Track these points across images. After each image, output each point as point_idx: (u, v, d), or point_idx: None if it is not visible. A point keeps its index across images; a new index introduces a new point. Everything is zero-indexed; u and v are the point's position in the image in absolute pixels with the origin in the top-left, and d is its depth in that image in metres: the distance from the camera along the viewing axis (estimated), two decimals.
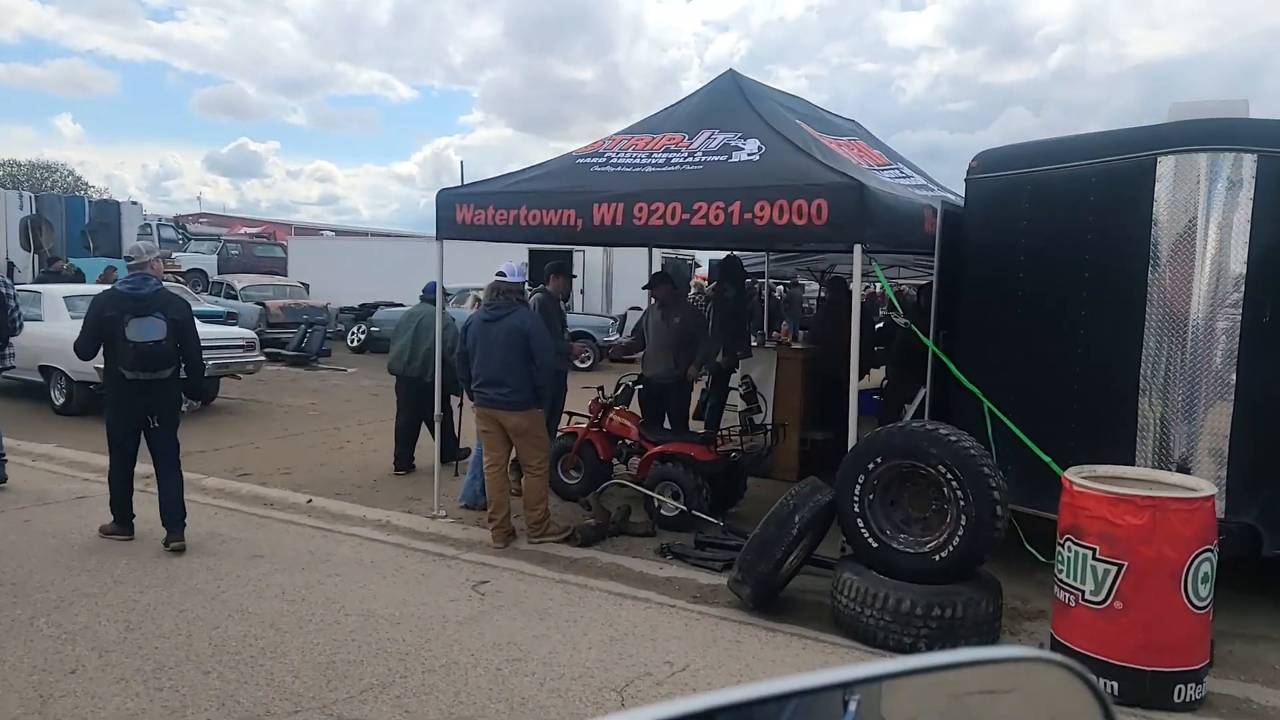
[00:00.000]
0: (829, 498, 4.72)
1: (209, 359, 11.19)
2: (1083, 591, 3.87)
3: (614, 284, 22.14)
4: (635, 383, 7.69)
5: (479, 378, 5.94)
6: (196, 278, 27.97)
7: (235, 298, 21.25)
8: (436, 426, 7.08)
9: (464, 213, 6.47)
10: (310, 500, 7.10)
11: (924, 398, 6.09)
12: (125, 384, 5.54)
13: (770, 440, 7.65)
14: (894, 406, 8.90)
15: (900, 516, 4.59)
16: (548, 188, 6.20)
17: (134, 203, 31.86)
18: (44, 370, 11.09)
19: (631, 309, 22.62)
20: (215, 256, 31.49)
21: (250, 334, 12.14)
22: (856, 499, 4.57)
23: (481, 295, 9.34)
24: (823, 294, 20.55)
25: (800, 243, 7.44)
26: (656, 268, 11.73)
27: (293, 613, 4.64)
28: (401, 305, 21.67)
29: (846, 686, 0.94)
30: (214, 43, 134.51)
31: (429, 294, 9.47)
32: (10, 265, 26.67)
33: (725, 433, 7.59)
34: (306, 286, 24.06)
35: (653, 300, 7.98)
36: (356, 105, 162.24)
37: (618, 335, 17.68)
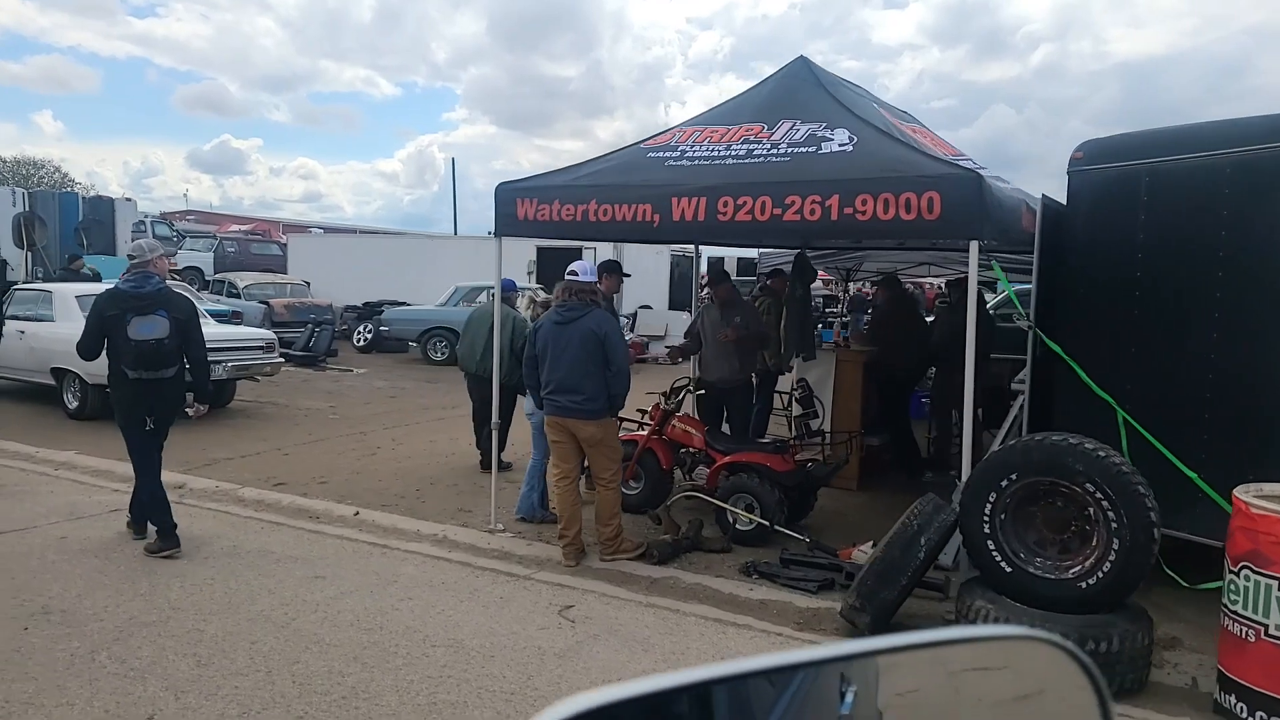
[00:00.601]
0: (953, 518, 4.37)
1: (227, 360, 10.82)
2: (1266, 626, 3.52)
3: (623, 282, 21.76)
4: (696, 387, 7.33)
5: (550, 384, 5.55)
6: (193, 276, 27.46)
7: (238, 296, 20.75)
8: (495, 434, 6.69)
9: (526, 208, 6.08)
10: (357, 513, 6.70)
11: (1022, 406, 5.75)
12: (129, 384, 5.46)
13: (850, 450, 7.29)
14: (943, 409, 8.59)
15: (1033, 538, 4.24)
16: (620, 181, 5.82)
17: (128, 199, 31.31)
18: (56, 373, 10.63)
19: (641, 307, 22.26)
20: (211, 254, 30.95)
21: (269, 334, 11.71)
22: (987, 519, 4.22)
23: (538, 296, 9.02)
24: (866, 294, 20.21)
25: (905, 239, 7.07)
26: (704, 267, 11.36)
27: (374, 644, 4.26)
28: (405, 304, 21.28)
29: (843, 660, 0.94)
30: (196, 39, 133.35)
31: (506, 293, 9.35)
32: (3, 263, 26.08)
33: (797, 442, 7.22)
34: (307, 285, 23.58)
35: (710, 299, 7.61)
36: (340, 102, 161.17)
37: (630, 334, 17.30)
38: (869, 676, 0.99)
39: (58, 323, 10.79)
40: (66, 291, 11.14)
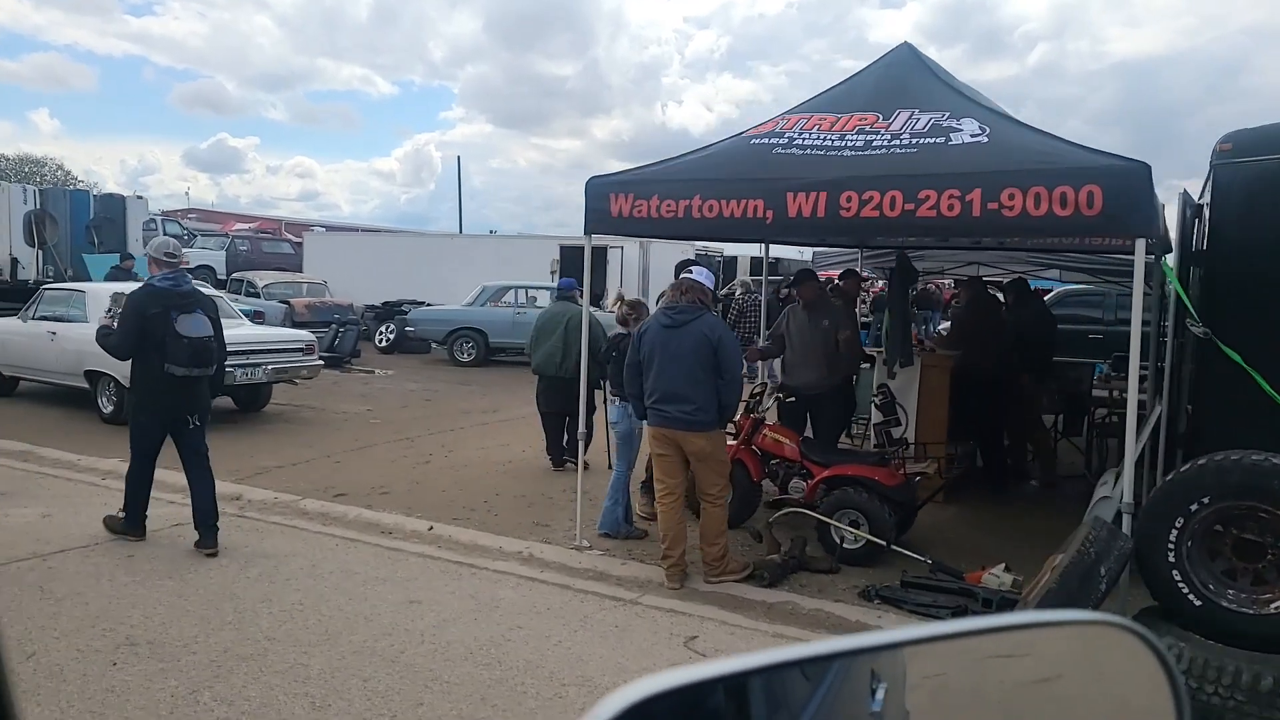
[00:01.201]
0: (1130, 545, 3.99)
1: (267, 363, 10.43)
2: None
3: (650, 282, 21.35)
4: (786, 395, 6.94)
5: (656, 392, 5.16)
6: (205, 275, 27.09)
7: (257, 295, 20.37)
8: (581, 444, 6.29)
9: (621, 203, 5.68)
10: (432, 528, 6.32)
11: (1159, 419, 5.37)
12: (171, 382, 5.47)
13: (956, 465, 6.91)
14: (1017, 417, 8.19)
15: (1221, 568, 3.86)
16: (726, 174, 5.43)
17: (139, 197, 30.87)
18: (90, 376, 10.23)
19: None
20: (224, 253, 30.55)
21: (309, 336, 11.31)
22: (1172, 546, 3.84)
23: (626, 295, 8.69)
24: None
25: (1058, 236, 6.63)
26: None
27: (498, 681, 3.87)
28: (422, 303, 20.85)
29: (899, 646, 0.93)
30: (193, 37, 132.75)
31: (567, 292, 9.25)
32: (14, 261, 25.72)
33: (898, 454, 6.80)
34: (326, 284, 23.19)
35: (796, 300, 7.22)
36: (337, 101, 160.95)
37: None
38: (898, 674, 0.97)
39: (91, 323, 10.39)
40: (100, 291, 10.74)
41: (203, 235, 34.52)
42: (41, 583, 4.89)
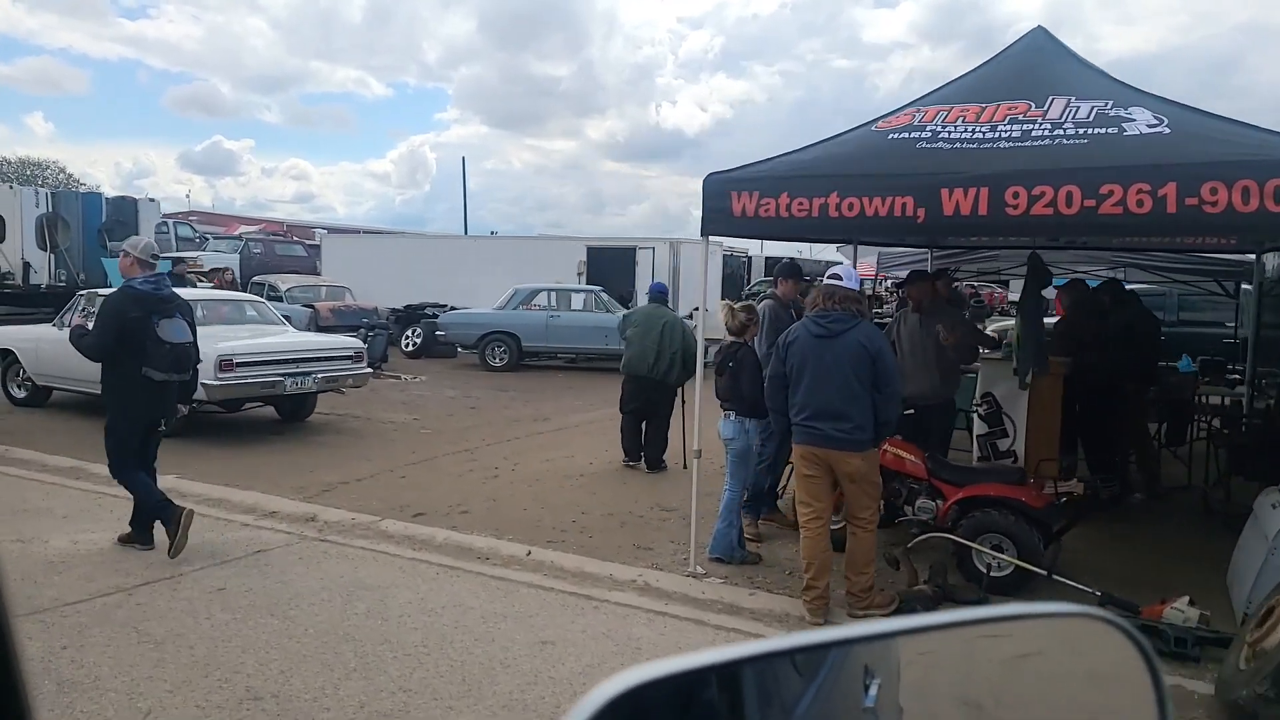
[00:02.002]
0: None
1: (317, 372, 9.99)
2: None
3: (681, 283, 20.89)
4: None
5: (807, 408, 4.70)
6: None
7: (280, 299, 19.89)
8: (695, 463, 5.84)
9: (744, 201, 5.24)
10: (530, 553, 5.88)
11: None
12: (151, 387, 5.40)
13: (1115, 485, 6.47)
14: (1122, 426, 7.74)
15: None
16: (867, 170, 4.99)
17: (151, 199, 30.46)
18: None
19: (695, 310, 21.38)
20: (237, 255, 30.06)
21: (358, 343, 10.87)
22: None
23: (735, 304, 8.32)
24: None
25: (1267, 237, 6.14)
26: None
27: None
28: (446, 306, 20.38)
29: (887, 638, 0.96)
30: (187, 40, 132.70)
31: (659, 295, 9.21)
32: (26, 265, 25.27)
33: (1039, 471, 6.34)
34: (348, 288, 22.75)
35: (906, 304, 6.77)
36: (331, 103, 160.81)
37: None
38: (891, 669, 0.98)
39: None
40: None
41: (215, 238, 34.10)
42: (134, 621, 4.45)
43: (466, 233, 41.38)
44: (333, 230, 43.79)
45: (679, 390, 8.67)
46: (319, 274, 27.55)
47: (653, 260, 20.23)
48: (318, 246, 36.19)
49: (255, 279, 23.06)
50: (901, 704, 1.00)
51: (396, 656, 4.14)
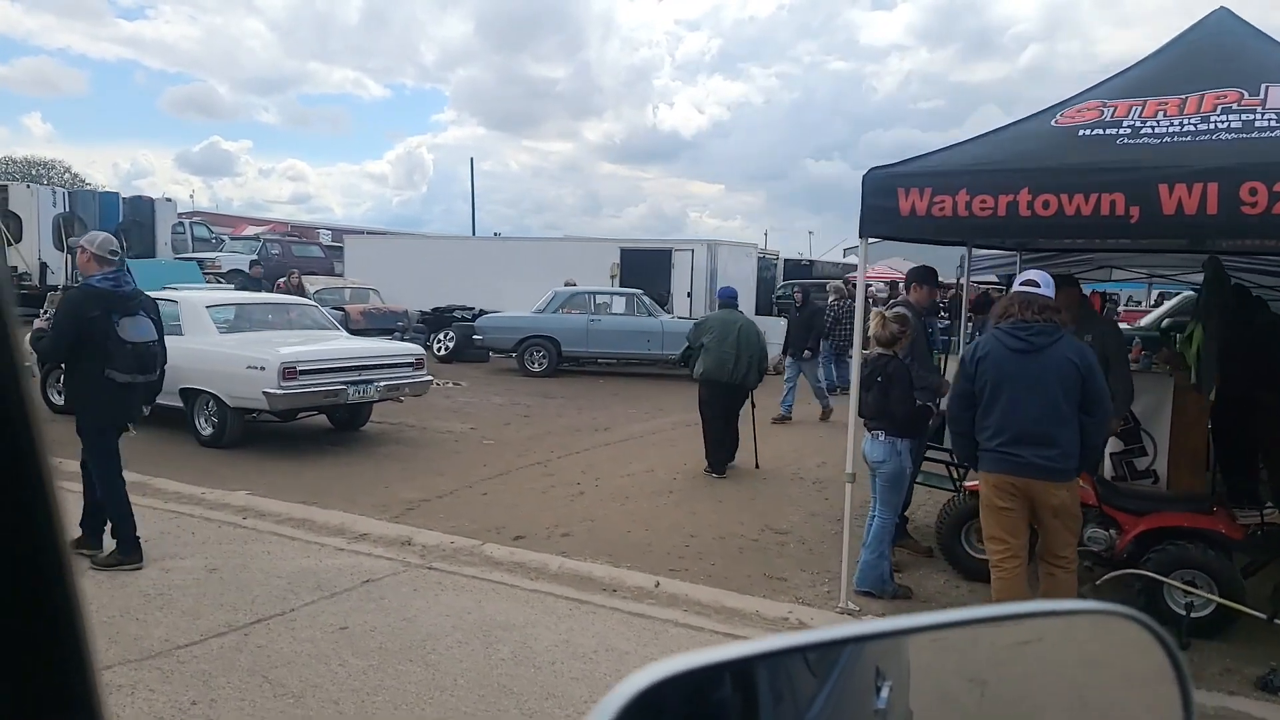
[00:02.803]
0: None
1: (378, 380, 9.49)
2: None
3: (717, 286, 20.38)
4: None
5: (1005, 432, 4.19)
6: (237, 279, 26.23)
7: None
8: (849, 489, 5.33)
9: (914, 199, 4.75)
10: (658, 584, 5.38)
11: None
12: (117, 389, 5.15)
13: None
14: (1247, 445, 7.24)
15: None
16: (1065, 164, 4.50)
17: (168, 199, 30.07)
18: (186, 395, 9.29)
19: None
20: (255, 257, 29.57)
21: (419, 350, 10.36)
22: None
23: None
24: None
25: None
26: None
27: None
28: (473, 309, 19.87)
29: (906, 634, 0.94)
30: (184, 41, 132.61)
31: (731, 301, 9.16)
32: (43, 266, 24.79)
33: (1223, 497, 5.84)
34: (376, 291, 22.27)
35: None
36: (329, 104, 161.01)
37: None
38: (902, 672, 0.97)
39: (187, 337, 9.46)
40: (195, 301, 9.81)
41: (231, 239, 33.65)
42: (261, 669, 3.95)
43: (474, 234, 40.93)
44: (341, 231, 43.27)
45: (750, 394, 8.81)
46: (335, 275, 27.14)
47: (691, 263, 19.74)
48: (334, 247, 35.78)
49: (279, 281, 22.59)
50: (912, 707, 0.99)
51: (568, 715, 3.64)
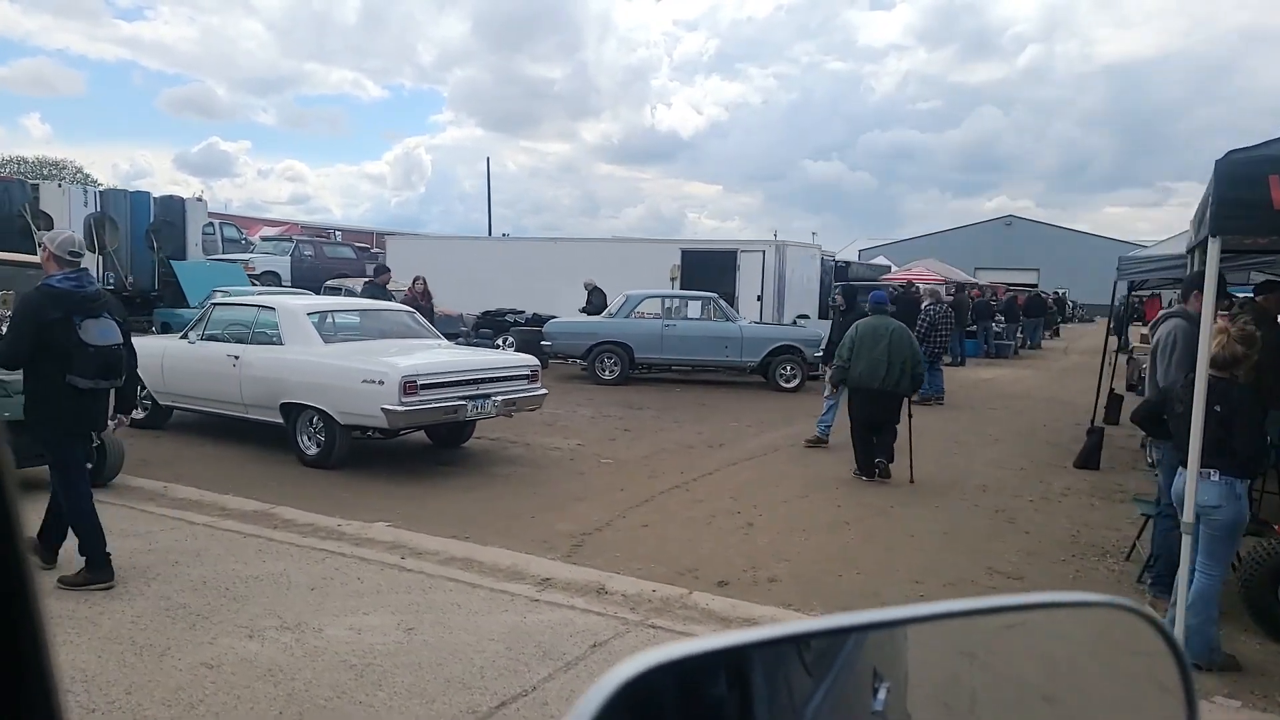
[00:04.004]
0: None
1: (496, 394, 8.71)
2: None
3: (786, 291, 19.60)
4: None
5: None
6: (271, 280, 25.54)
7: None
8: (1188, 550, 4.52)
9: None
10: None
11: None
12: (78, 396, 4.92)
13: None
14: None
15: None
16: None
17: (199, 199, 29.27)
18: (288, 410, 8.53)
19: (799, 317, 20.02)
20: (288, 258, 28.84)
21: (534, 360, 9.57)
22: None
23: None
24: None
25: None
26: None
27: None
28: (521, 313, 19.08)
29: (902, 624, 0.93)
30: (182, 42, 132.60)
31: (880, 305, 8.97)
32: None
33: None
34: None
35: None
36: (326, 104, 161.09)
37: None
38: (900, 674, 0.96)
39: (287, 347, 8.71)
40: (294, 308, 9.04)
41: (263, 240, 32.95)
42: None
43: (490, 234, 40.19)
44: (347, 233, 42.48)
45: (905, 400, 8.65)
46: (367, 277, 26.39)
47: (762, 264, 18.93)
48: (361, 248, 35.01)
49: (328, 284, 21.84)
50: (909, 710, 0.97)
51: None
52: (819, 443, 10.26)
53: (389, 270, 13.85)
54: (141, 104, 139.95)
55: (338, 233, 47.32)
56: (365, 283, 14.16)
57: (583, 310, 17.82)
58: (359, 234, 48.75)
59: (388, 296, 12.86)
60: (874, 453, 8.59)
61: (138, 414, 9.61)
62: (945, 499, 8.00)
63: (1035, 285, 44.78)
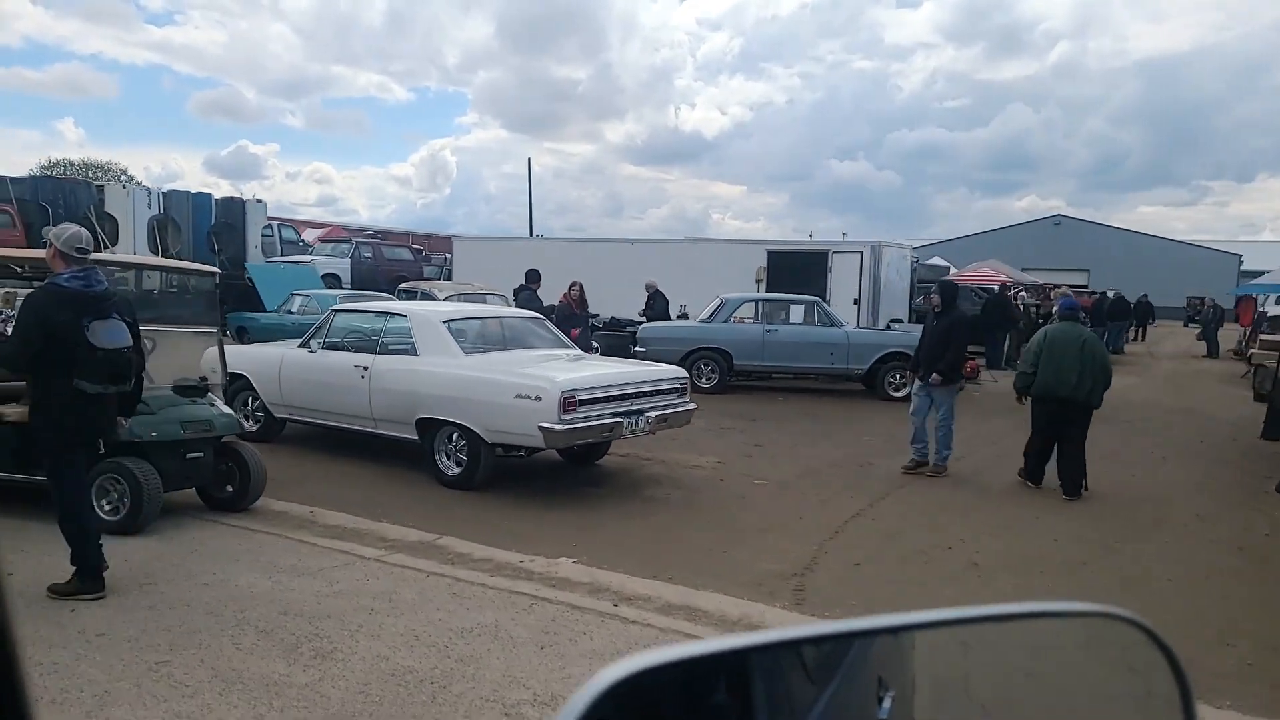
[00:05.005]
0: None
1: (649, 409, 7.98)
2: None
3: (881, 292, 18.73)
4: None
5: None
6: (330, 284, 25.03)
7: None
8: None
9: None
10: None
11: None
12: (85, 402, 4.68)
13: None
14: None
15: None
16: None
17: (259, 200, 28.89)
18: (425, 425, 7.86)
19: (892, 321, 19.11)
20: (348, 260, 28.36)
21: (680, 372, 8.82)
22: None
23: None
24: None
25: None
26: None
27: None
28: (595, 316, 18.33)
29: (899, 631, 0.93)
30: (211, 46, 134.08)
31: (1071, 312, 8.67)
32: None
33: None
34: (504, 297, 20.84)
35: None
36: (353, 107, 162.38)
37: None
38: (906, 681, 0.95)
39: (423, 358, 8.04)
40: (430, 317, 8.37)
41: (320, 241, 32.60)
42: None
43: (531, 235, 39.52)
44: (380, 234, 41.97)
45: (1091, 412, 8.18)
46: (425, 279, 25.88)
47: (861, 265, 18.07)
48: (419, 249, 34.53)
49: (403, 287, 21.25)
50: (915, 718, 0.95)
51: None
52: (918, 468, 8.87)
53: (539, 276, 13.16)
54: (172, 107, 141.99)
55: (375, 234, 46.93)
56: (519, 288, 13.46)
57: (642, 314, 17.17)
58: (394, 235, 48.33)
59: (540, 304, 12.26)
60: (1043, 462, 8.29)
61: (250, 426, 9.02)
62: (1163, 531, 7.18)
63: (1086, 286, 43.63)
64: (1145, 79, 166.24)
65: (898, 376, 14.69)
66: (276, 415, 9.26)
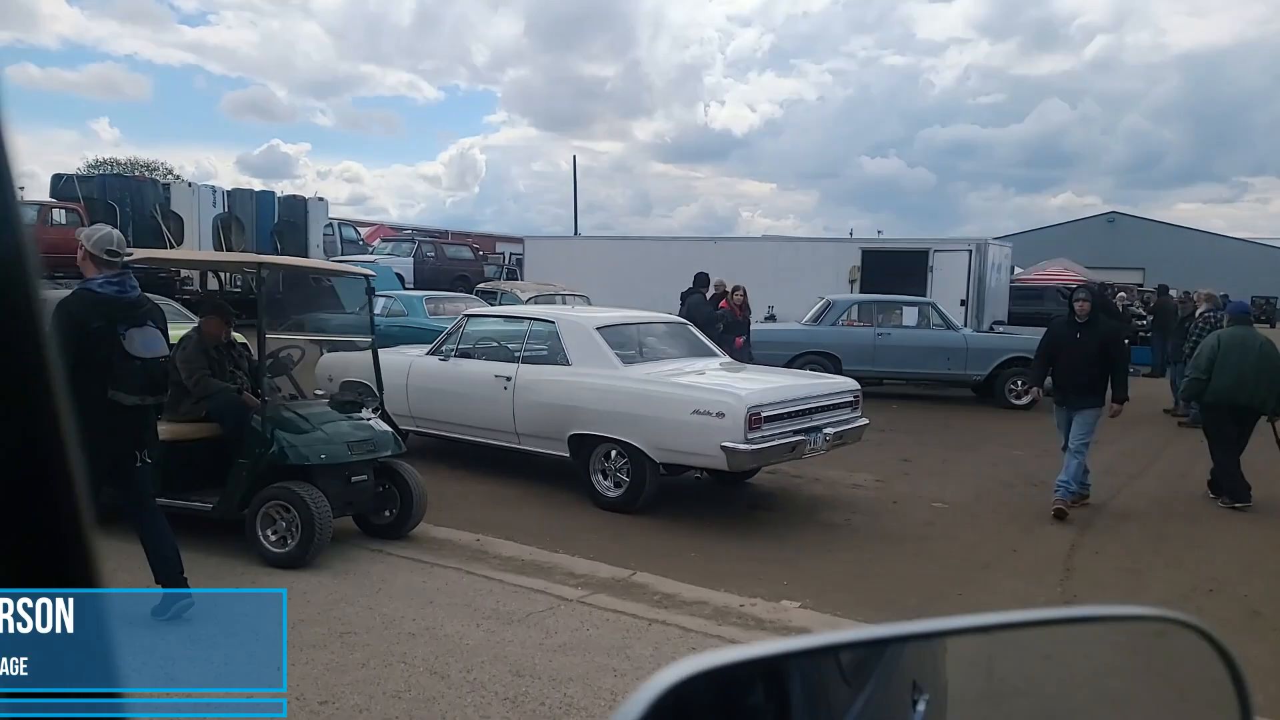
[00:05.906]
0: None
1: (825, 425, 7.22)
2: None
3: (987, 293, 17.76)
4: None
5: None
6: (395, 282, 24.47)
7: None
8: None
9: None
10: None
11: None
12: (120, 414, 4.30)
13: None
14: None
15: None
16: None
17: (320, 199, 28.48)
18: (579, 443, 7.16)
19: (995, 323, 18.14)
20: (411, 260, 27.84)
21: (853, 384, 8.02)
22: None
23: None
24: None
25: None
26: None
27: None
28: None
29: (946, 635, 0.90)
30: (244, 46, 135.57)
31: (1243, 314, 8.52)
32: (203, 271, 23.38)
33: None
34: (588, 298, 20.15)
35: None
36: (383, 106, 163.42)
37: None
38: (940, 686, 0.92)
39: (576, 368, 7.34)
40: (582, 323, 7.68)
41: (383, 240, 32.18)
42: None
43: (577, 234, 38.75)
44: (419, 232, 41.41)
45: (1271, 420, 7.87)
46: (488, 279, 25.35)
47: (969, 265, 17.12)
48: (476, 248, 33.94)
49: (480, 288, 20.59)
50: None
51: None
52: (1081, 501, 7.54)
53: (709, 282, 12.49)
54: (205, 107, 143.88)
55: (409, 231, 46.45)
56: (687, 291, 12.79)
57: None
58: (432, 233, 47.91)
59: (712, 310, 11.60)
60: (1239, 473, 7.72)
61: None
62: None
63: (1141, 284, 42.35)
64: (1185, 74, 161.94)
65: (1019, 384, 13.79)
66: (403, 427, 8.59)
